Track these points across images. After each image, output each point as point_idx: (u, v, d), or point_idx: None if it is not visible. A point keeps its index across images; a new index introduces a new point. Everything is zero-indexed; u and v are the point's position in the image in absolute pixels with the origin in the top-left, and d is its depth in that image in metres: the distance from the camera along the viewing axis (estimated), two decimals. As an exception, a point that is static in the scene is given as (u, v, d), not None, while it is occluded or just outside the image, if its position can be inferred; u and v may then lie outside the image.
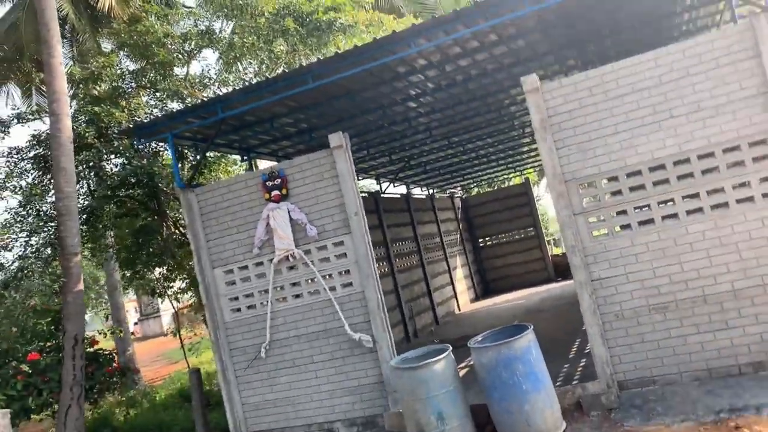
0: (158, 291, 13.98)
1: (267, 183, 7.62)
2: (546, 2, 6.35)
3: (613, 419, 6.00)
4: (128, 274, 13.50)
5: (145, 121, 9.64)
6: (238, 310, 7.89)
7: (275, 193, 7.56)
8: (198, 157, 10.54)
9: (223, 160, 11.69)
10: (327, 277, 7.43)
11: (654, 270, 6.22)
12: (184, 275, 12.72)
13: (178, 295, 14.29)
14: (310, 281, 7.55)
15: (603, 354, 6.33)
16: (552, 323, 10.91)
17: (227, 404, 7.86)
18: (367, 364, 7.21)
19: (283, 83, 7.49)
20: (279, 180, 7.57)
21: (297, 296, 7.61)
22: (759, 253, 5.91)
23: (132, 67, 12.86)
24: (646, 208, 6.31)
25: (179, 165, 9.92)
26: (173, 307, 14.86)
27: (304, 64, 7.81)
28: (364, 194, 14.54)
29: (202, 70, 12.83)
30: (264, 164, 11.51)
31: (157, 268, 13.54)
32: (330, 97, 8.32)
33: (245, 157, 10.16)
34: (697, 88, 6.06)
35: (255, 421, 7.77)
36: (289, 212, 7.50)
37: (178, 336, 14.53)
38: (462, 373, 7.79)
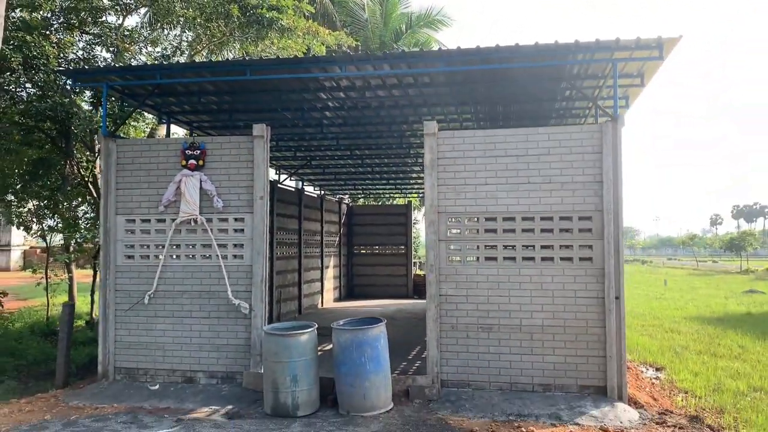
0: (25, 223, 13.99)
1: (186, 151, 8.47)
2: (455, 68, 7.82)
3: (430, 407, 7.43)
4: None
5: (80, 64, 10.09)
6: (132, 257, 8.64)
7: (192, 161, 8.43)
8: (116, 110, 11.06)
9: (140, 117, 12.19)
10: (222, 246, 8.39)
11: (488, 297, 7.80)
12: (58, 215, 12.93)
13: (47, 233, 14.39)
14: (205, 247, 8.46)
15: (435, 355, 7.80)
16: (401, 330, 12.41)
17: (101, 339, 8.56)
18: (239, 328, 8.25)
19: (223, 68, 8.44)
20: (198, 152, 8.45)
21: (190, 257, 8.50)
22: (566, 302, 7.64)
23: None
24: (494, 248, 7.88)
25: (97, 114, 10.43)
26: (45, 244, 14.86)
27: (237, 50, 8.77)
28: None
29: (137, 26, 13.23)
30: (179, 131, 12.17)
31: (31, 202, 13.64)
32: (259, 90, 9.31)
33: (164, 120, 10.84)
34: (552, 165, 7.74)
35: (124, 359, 8.53)
36: (201, 182, 8.40)
37: (44, 273, 14.57)
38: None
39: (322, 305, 18.09)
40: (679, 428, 6.81)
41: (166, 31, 13.10)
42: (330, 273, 19.19)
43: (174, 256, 8.55)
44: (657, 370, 12.27)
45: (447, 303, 7.88)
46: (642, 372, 12.06)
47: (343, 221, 20.62)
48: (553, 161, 7.74)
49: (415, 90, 9.29)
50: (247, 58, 9.35)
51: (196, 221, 8.43)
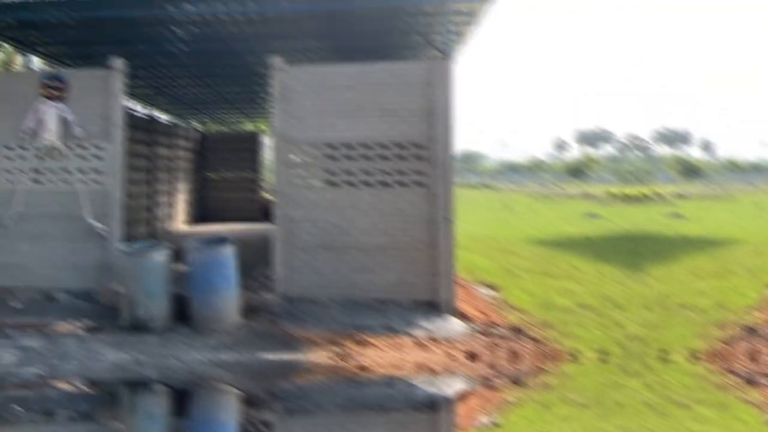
0: None
1: (47, 82, 8.72)
2: (298, 6, 8.33)
3: (276, 322, 8.07)
4: None
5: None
6: (-5, 182, 8.92)
7: (52, 92, 8.69)
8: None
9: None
10: (82, 172, 8.75)
11: (331, 220, 8.41)
12: None
13: None
14: (66, 172, 8.80)
15: (282, 273, 8.41)
16: (251, 251, 12.49)
17: (-37, 260, 8.87)
18: (97, 248, 8.70)
19: (84, 5, 8.75)
20: (60, 83, 8.73)
21: (52, 182, 8.85)
22: (403, 224, 8.30)
23: None
24: (335, 174, 8.48)
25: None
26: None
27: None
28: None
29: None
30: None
31: None
32: (117, 24, 9.63)
33: (22, 53, 11.02)
34: (389, 98, 8.31)
35: (-15, 278, 8.88)
36: (62, 111, 8.69)
37: None
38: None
39: (173, 228, 18.32)
40: (501, 338, 7.63)
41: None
42: (181, 197, 19.46)
43: (36, 182, 8.85)
44: (493, 289, 12.63)
45: (294, 225, 8.46)
46: (477, 291, 12.55)
47: (195, 148, 20.91)
48: (390, 94, 8.30)
49: (262, 25, 9.76)
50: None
51: (57, 148, 8.73)
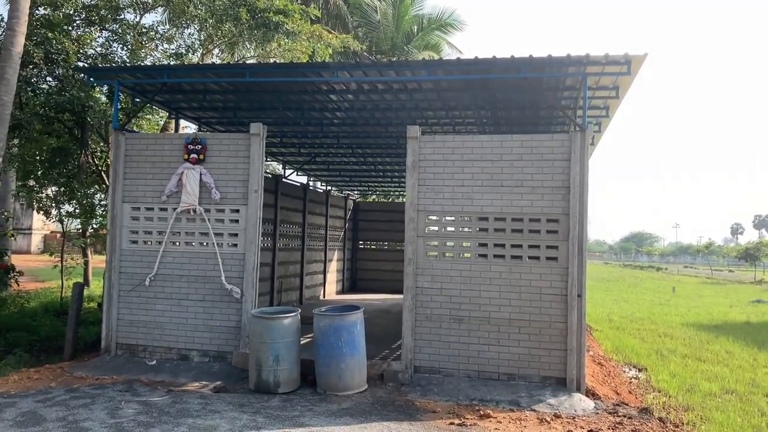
0: (45, 208, 14.80)
1: (189, 146, 9.17)
2: (436, 77, 8.43)
3: (401, 390, 8.05)
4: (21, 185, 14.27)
5: (99, 63, 10.84)
6: (136, 242, 9.37)
7: (193, 156, 9.12)
8: (131, 104, 11.82)
9: (153, 111, 12.95)
10: (218, 235, 9.07)
11: (461, 290, 8.39)
12: (75, 202, 13.73)
13: (64, 218, 15.19)
14: (203, 235, 9.16)
15: (409, 343, 8.41)
16: (393, 321, 13.03)
17: (105, 317, 9.30)
18: (231, 311, 8.94)
19: (225, 70, 9.12)
20: (200, 146, 9.14)
21: (189, 243, 9.21)
22: (532, 297, 8.21)
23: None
24: (467, 245, 8.48)
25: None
26: (62, 228, 15.67)
27: (244, 52, 9.47)
28: (267, 174, 16.20)
29: (153, 24, 13.98)
30: (191, 126, 12.88)
31: (50, 188, 14.42)
32: (259, 90, 10.00)
33: (172, 116, 11.56)
34: (524, 171, 8.31)
35: (125, 335, 9.26)
36: (201, 174, 9.09)
37: (60, 256, 15.39)
38: (307, 339, 9.65)
39: (324, 296, 18.77)
40: (628, 418, 7.35)
41: (180, 30, 13.83)
42: (334, 266, 19.87)
43: (174, 243, 9.25)
44: (639, 370, 12.77)
45: (422, 295, 8.49)
46: (624, 372, 12.59)
47: (348, 216, 21.27)
48: (525, 167, 8.30)
49: (406, 95, 9.91)
50: (248, 62, 10.09)
51: (195, 211, 9.12)
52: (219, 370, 8.73)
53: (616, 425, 7.07)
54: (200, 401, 7.30)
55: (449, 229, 8.59)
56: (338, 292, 20.37)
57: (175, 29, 13.71)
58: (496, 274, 8.33)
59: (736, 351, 15.11)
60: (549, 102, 9.70)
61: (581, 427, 6.93)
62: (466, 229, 8.51)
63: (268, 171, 18.23)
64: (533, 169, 8.28)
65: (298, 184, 16.97)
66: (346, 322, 7.84)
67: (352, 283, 21.75)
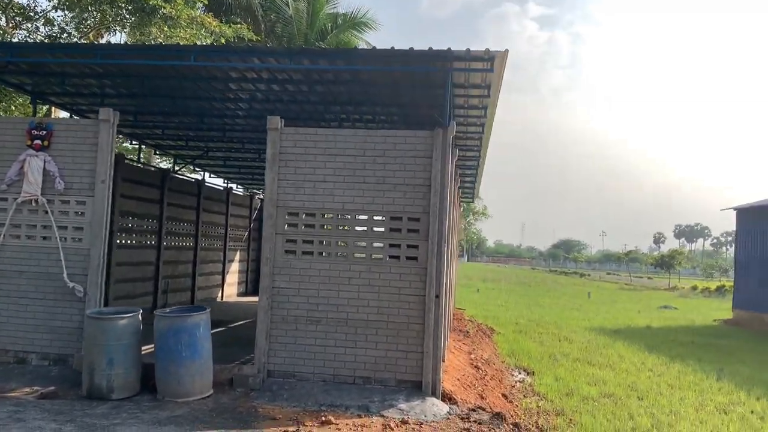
0: None
1: (33, 131, 8.43)
2: (304, 65, 8.04)
3: (250, 396, 7.59)
4: None
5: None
6: (-28, 235, 8.54)
7: (37, 142, 8.39)
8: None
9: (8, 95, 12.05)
10: (61, 228, 8.38)
11: (319, 290, 8.01)
12: None
13: None
14: (46, 228, 8.43)
15: (263, 346, 7.96)
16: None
17: (-67, 317, 8.42)
18: (74, 311, 8.24)
19: (75, 50, 8.46)
20: (45, 132, 8.42)
21: (30, 237, 8.46)
22: (391, 298, 7.91)
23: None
24: (328, 244, 8.11)
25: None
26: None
27: (123, 37, 8.82)
28: (151, 167, 15.46)
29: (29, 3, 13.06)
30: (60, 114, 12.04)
31: None
32: (123, 74, 9.33)
33: (37, 101, 10.74)
34: (387, 167, 8.01)
35: (-44, 337, 8.42)
36: (44, 162, 8.37)
37: None
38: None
39: (221, 299, 18.06)
40: (478, 423, 7.14)
41: (58, 12, 12.98)
42: (235, 267, 19.17)
43: (14, 237, 8.49)
44: (528, 374, 12.77)
45: (279, 295, 8.05)
46: (513, 375, 12.56)
47: (255, 216, 20.57)
48: (388, 163, 8.00)
49: (279, 86, 9.48)
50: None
51: (37, 202, 8.39)
52: (57, 375, 8.03)
53: (463, 431, 6.85)
54: (12, 409, 6.62)
55: (309, 226, 8.20)
56: (240, 294, 19.67)
57: (54, 10, 12.82)
58: (356, 273, 7.99)
59: (628, 355, 15.41)
60: (423, 100, 9.47)
61: (425, 434, 6.67)
62: (327, 227, 8.14)
63: (153, 165, 17.42)
64: (396, 166, 7.99)
65: (192, 180, 16.26)
66: (188, 323, 7.32)
67: (256, 285, 20.99)
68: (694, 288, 51.98)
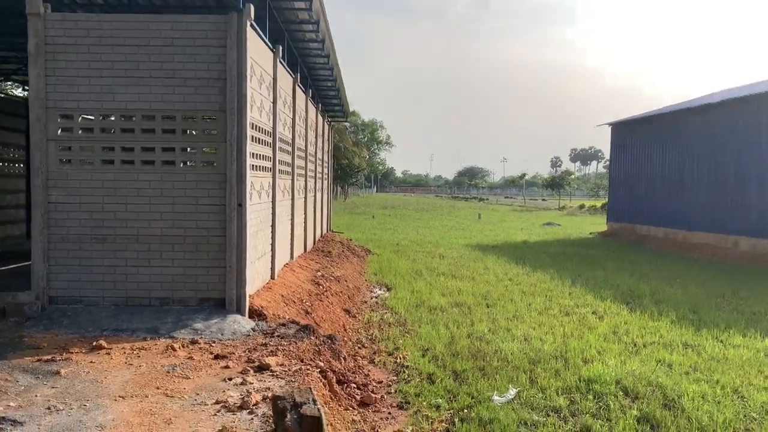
0: None
1: None
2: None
3: (24, 326, 6.60)
4: None
5: None
6: None
7: None
8: None
9: None
10: None
11: (104, 205, 7.00)
12: None
13: None
14: None
15: (40, 270, 6.94)
16: None
17: None
18: None
19: None
20: None
21: None
22: (187, 209, 7.01)
23: None
24: (111, 150, 7.04)
25: None
26: None
27: None
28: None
29: None
30: None
31: None
32: None
33: None
34: (176, 58, 6.95)
35: None
36: None
37: None
38: None
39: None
40: (280, 338, 6.52)
41: None
42: None
43: None
44: (388, 289, 12.40)
45: (56, 212, 6.98)
46: (371, 292, 12.15)
47: None
48: (177, 54, 6.94)
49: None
50: None
51: None
52: None
53: (258, 346, 6.20)
54: None
55: (87, 130, 7.07)
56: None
57: None
58: (145, 183, 7.01)
59: (494, 267, 15.38)
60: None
61: (210, 353, 5.96)
62: (107, 131, 7.06)
63: None
64: (185, 57, 6.94)
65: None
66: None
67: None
68: (581, 207, 54.22)
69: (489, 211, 53.44)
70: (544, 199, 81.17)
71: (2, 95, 13.84)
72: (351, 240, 19.87)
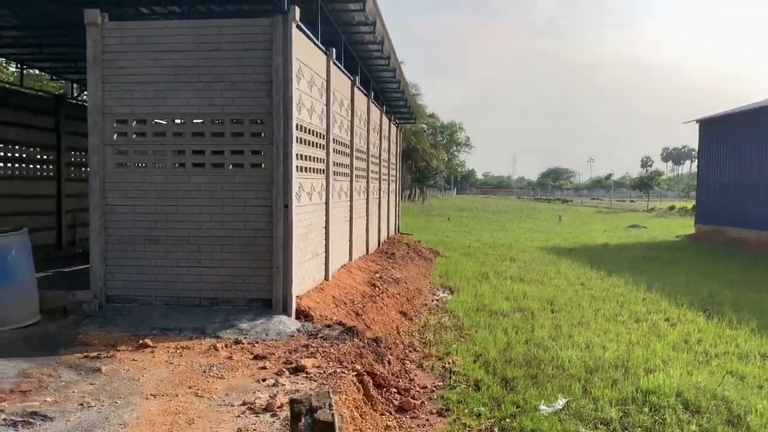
0: None
1: None
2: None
3: (83, 323, 6.86)
4: None
5: None
6: None
7: None
8: None
9: None
10: None
11: (156, 207, 7.19)
12: None
13: None
14: None
15: (98, 270, 7.20)
16: None
17: None
18: None
19: None
20: None
21: None
22: (236, 210, 7.09)
23: None
24: (163, 153, 7.22)
25: None
26: None
27: None
28: (42, 93, 14.30)
29: None
30: None
31: None
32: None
33: None
34: (224, 62, 7.04)
35: None
36: None
37: None
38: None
39: None
40: (323, 339, 6.46)
41: None
42: None
43: None
44: (451, 292, 12.16)
45: (113, 213, 7.23)
46: (433, 294, 11.96)
47: None
48: (225, 58, 7.04)
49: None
50: None
51: None
52: None
53: (300, 347, 6.17)
54: None
55: (141, 135, 7.28)
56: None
57: None
58: (195, 185, 7.15)
59: (567, 271, 14.81)
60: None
61: (251, 353, 5.98)
62: (160, 135, 7.24)
63: (43, 89, 16.25)
64: (233, 61, 7.03)
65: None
66: (-5, 246, 6.52)
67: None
68: (671, 208, 51.58)
69: (572, 213, 51.81)
70: (632, 201, 77.82)
71: (32, 91, 14.21)
72: (419, 242, 19.68)
